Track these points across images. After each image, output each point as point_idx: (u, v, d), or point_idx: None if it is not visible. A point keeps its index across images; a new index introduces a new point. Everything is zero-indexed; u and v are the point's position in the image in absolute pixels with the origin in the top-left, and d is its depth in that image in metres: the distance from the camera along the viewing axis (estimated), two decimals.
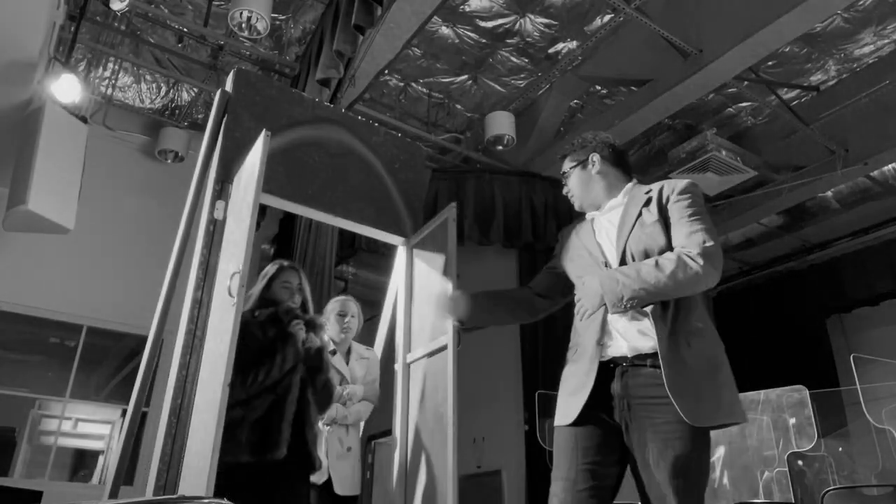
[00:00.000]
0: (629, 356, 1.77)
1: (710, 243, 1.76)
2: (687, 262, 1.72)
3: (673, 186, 1.90)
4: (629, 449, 1.74)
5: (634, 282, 1.72)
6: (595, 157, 2.04)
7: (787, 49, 5.04)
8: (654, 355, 1.72)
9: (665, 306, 1.77)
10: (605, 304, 1.78)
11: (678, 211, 1.84)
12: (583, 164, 2.06)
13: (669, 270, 1.71)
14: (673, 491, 1.62)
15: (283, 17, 4.78)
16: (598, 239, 1.95)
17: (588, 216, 2.08)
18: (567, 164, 2.11)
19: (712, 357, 1.77)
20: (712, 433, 1.72)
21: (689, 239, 1.78)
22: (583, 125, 5.76)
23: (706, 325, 1.81)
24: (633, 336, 1.78)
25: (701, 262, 1.72)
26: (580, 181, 2.06)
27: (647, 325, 1.76)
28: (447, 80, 5.44)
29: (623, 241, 1.86)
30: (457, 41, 5.00)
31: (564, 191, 2.12)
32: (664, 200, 1.88)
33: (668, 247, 1.81)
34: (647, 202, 1.90)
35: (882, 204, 6.80)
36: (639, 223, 1.87)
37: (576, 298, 1.95)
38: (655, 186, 1.94)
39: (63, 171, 3.92)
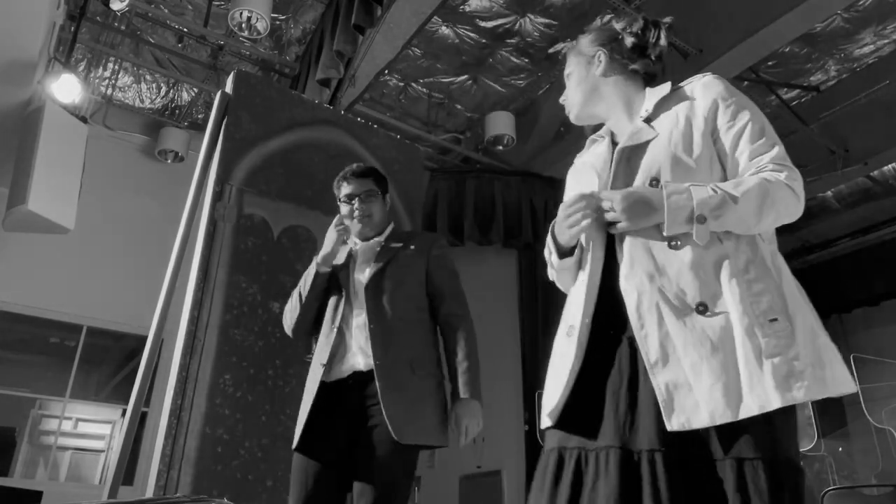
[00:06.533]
0: None
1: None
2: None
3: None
4: None
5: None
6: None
7: (787, 49, 5.03)
8: None
9: None
10: None
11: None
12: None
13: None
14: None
15: (283, 17, 4.78)
16: None
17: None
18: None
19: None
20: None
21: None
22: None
23: None
24: None
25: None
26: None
27: None
28: (447, 80, 5.44)
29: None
30: (457, 41, 5.00)
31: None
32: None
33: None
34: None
35: (882, 204, 6.80)
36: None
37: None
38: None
39: (63, 170, 3.93)
